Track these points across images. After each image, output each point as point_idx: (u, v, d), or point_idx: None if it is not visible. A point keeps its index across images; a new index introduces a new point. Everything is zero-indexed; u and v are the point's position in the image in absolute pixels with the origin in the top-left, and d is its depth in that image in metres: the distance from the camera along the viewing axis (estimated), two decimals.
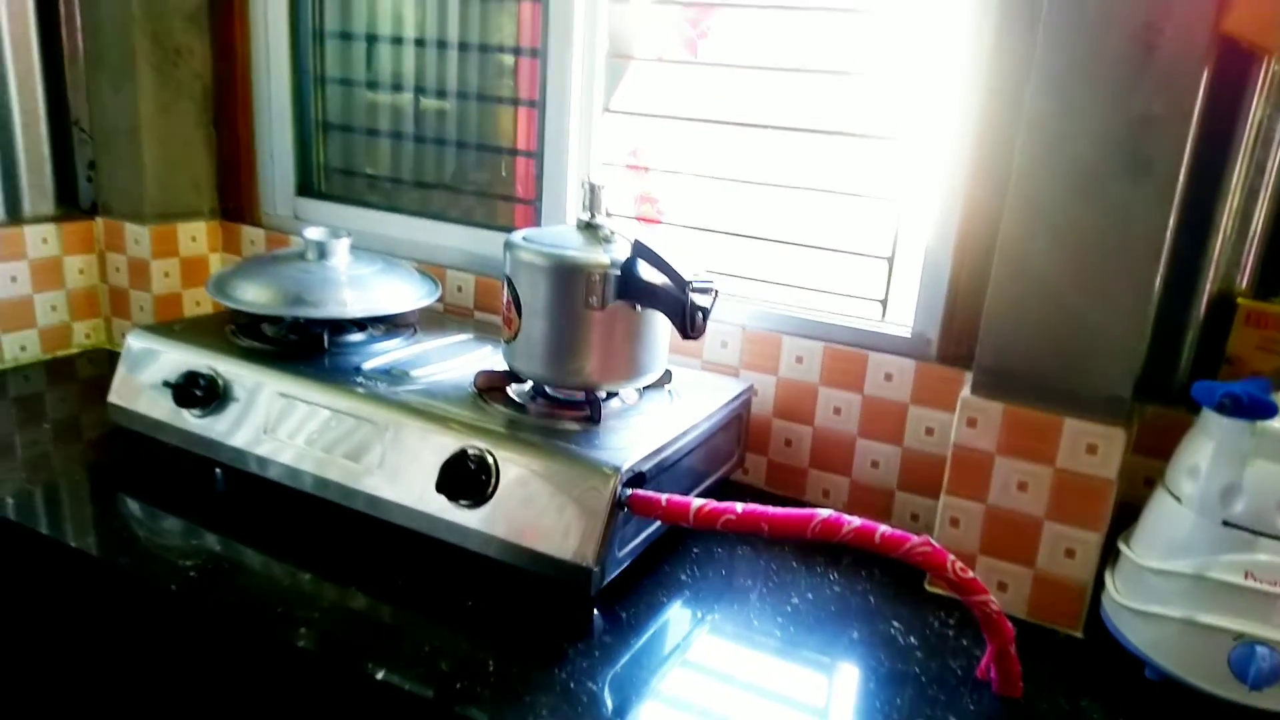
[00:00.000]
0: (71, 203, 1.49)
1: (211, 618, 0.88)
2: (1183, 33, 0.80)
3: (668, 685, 0.80)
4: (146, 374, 1.12)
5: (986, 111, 1.00)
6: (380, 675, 0.78)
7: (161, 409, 1.10)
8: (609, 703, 0.77)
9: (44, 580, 0.99)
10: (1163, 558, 0.82)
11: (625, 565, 0.91)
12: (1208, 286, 0.94)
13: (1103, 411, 0.87)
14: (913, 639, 0.89)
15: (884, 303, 1.13)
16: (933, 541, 0.78)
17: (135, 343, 1.14)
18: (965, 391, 0.93)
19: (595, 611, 0.89)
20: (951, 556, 0.78)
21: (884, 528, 0.78)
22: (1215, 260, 0.94)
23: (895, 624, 0.91)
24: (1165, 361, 0.96)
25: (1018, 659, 0.80)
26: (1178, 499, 0.83)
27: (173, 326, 1.19)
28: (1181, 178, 0.83)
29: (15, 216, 1.42)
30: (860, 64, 1.11)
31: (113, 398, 1.14)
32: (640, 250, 0.94)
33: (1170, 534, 0.83)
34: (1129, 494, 0.93)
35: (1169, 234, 0.84)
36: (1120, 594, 0.86)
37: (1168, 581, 0.82)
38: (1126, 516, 0.91)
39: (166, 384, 1.08)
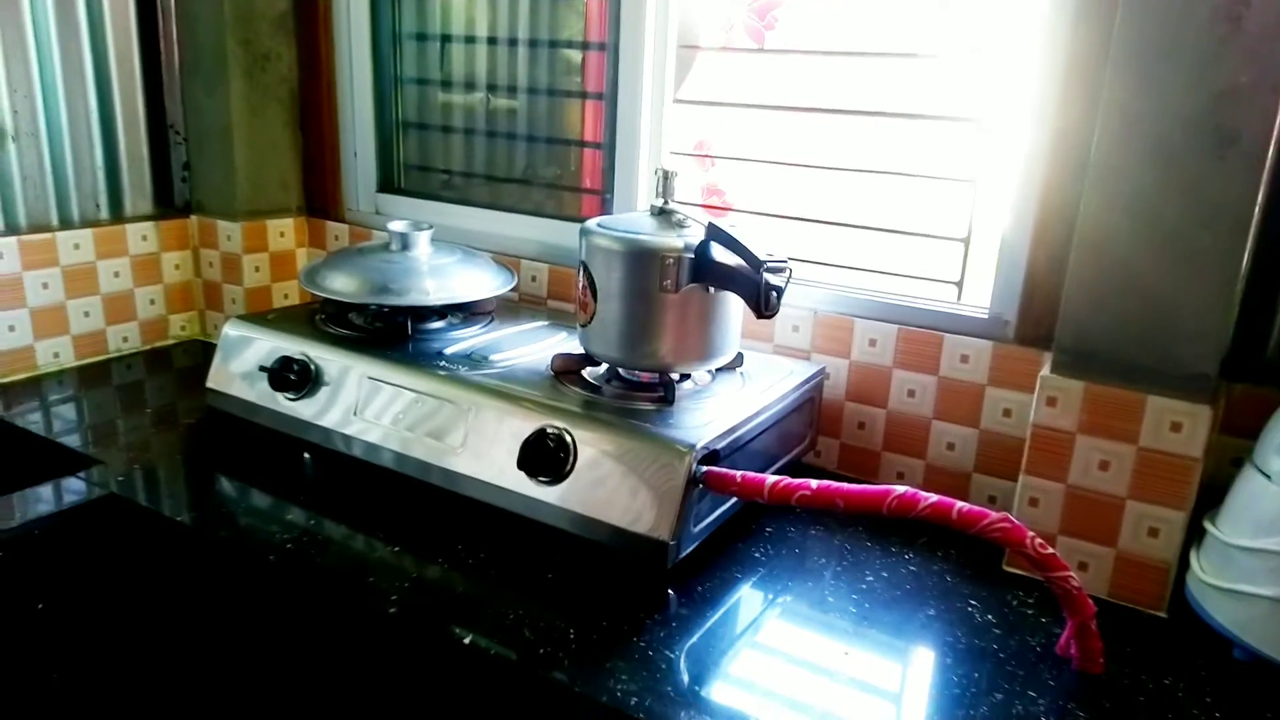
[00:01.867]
0: (168, 202, 1.57)
1: (307, 587, 0.93)
2: (1272, 2, 0.78)
3: (743, 656, 0.82)
4: (242, 361, 1.18)
5: (1065, 91, 0.99)
6: (467, 640, 0.81)
7: (255, 393, 1.16)
8: (686, 672, 0.79)
9: (150, 553, 1.05)
10: (1252, 536, 0.81)
11: (700, 541, 0.93)
12: None
13: (1188, 389, 0.86)
14: (990, 617, 0.89)
15: (959, 285, 1.13)
16: (1011, 518, 0.78)
17: (232, 331, 1.20)
18: (1045, 370, 0.93)
19: (670, 585, 0.91)
20: (1031, 532, 0.78)
21: (961, 504, 0.78)
22: None
23: (973, 602, 0.91)
24: (1255, 339, 0.94)
25: (1098, 635, 0.79)
26: (1268, 476, 0.81)
27: (266, 316, 1.25)
28: (1271, 150, 0.81)
29: (117, 216, 1.50)
30: (933, 46, 1.11)
31: (210, 383, 1.21)
32: (714, 233, 0.96)
33: (1260, 512, 0.81)
34: (1216, 474, 0.91)
35: (1258, 208, 0.83)
36: (1206, 573, 0.84)
37: (1257, 560, 0.80)
38: (1212, 497, 0.89)
39: (262, 369, 1.13)
